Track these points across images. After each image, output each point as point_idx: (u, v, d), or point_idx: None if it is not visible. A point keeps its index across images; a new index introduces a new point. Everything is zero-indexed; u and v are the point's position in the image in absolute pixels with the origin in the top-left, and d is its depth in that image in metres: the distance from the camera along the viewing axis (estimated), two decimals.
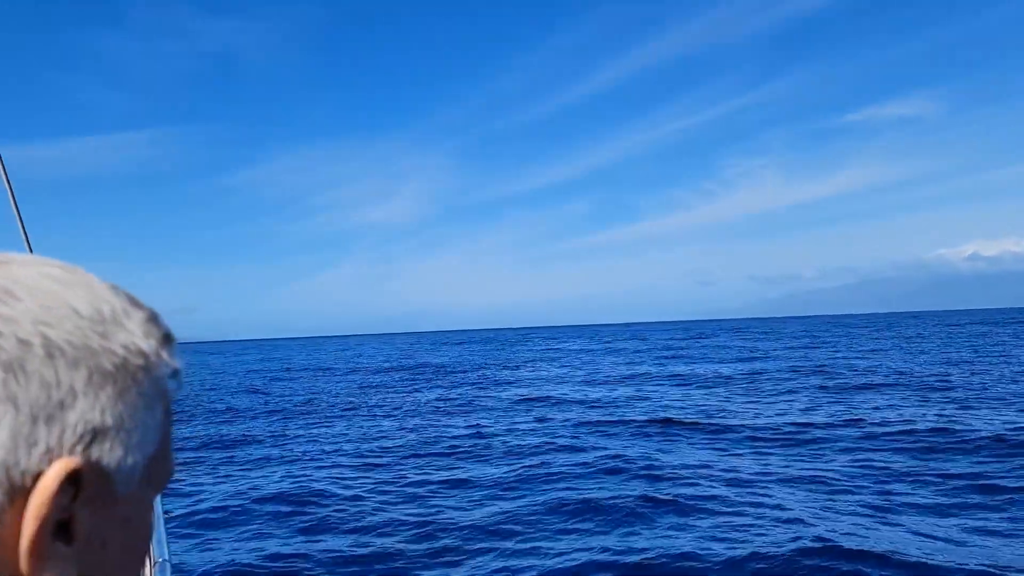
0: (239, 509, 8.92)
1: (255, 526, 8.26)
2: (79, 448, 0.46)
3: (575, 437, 12.79)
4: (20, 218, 2.08)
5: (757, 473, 9.45)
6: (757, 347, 42.19)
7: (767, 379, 22.43)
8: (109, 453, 0.48)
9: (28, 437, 0.45)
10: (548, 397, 19.82)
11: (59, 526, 0.46)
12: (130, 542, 0.51)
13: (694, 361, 32.72)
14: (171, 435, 0.54)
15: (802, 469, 9.58)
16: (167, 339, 0.53)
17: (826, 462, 10.03)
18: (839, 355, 31.86)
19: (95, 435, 0.47)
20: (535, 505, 8.23)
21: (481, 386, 25.06)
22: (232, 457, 13.18)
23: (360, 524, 8.03)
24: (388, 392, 24.49)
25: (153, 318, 0.53)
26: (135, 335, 0.50)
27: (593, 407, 17.11)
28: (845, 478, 8.99)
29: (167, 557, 1.94)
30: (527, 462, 10.70)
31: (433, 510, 8.39)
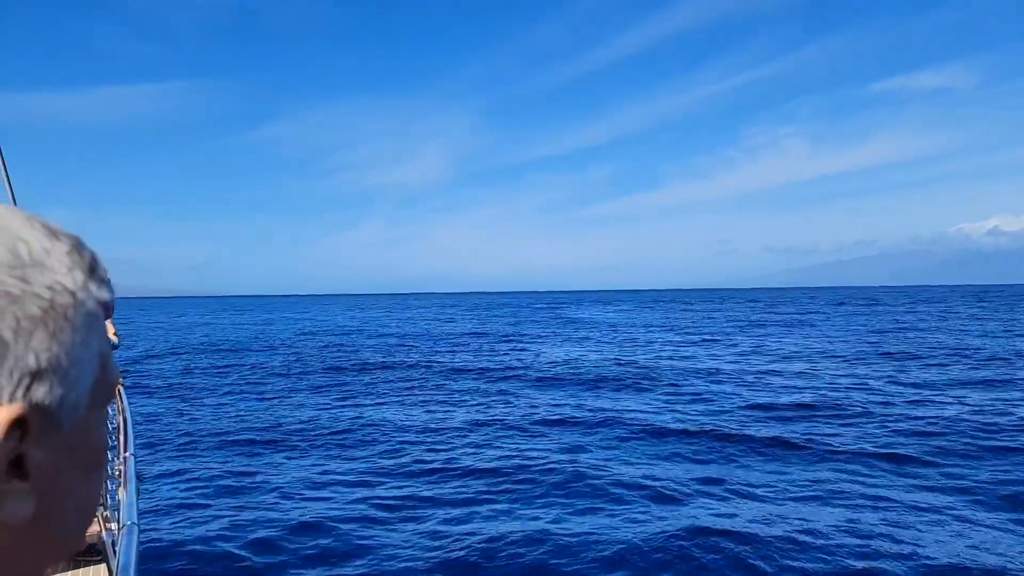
0: (219, 485, 8.89)
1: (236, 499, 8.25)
2: (19, 394, 0.49)
3: None
4: (5, 168, 2.08)
5: None
6: None
7: None
8: (50, 393, 0.49)
9: None
10: None
11: (13, 464, 0.49)
12: (84, 464, 0.51)
13: None
14: (109, 355, 0.53)
15: None
16: (92, 267, 0.51)
17: None
18: None
19: (33, 379, 0.49)
20: None
21: None
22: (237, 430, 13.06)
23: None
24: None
25: (75, 248, 0.51)
26: (58, 273, 0.50)
27: None
28: None
29: (136, 520, 1.91)
30: None
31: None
